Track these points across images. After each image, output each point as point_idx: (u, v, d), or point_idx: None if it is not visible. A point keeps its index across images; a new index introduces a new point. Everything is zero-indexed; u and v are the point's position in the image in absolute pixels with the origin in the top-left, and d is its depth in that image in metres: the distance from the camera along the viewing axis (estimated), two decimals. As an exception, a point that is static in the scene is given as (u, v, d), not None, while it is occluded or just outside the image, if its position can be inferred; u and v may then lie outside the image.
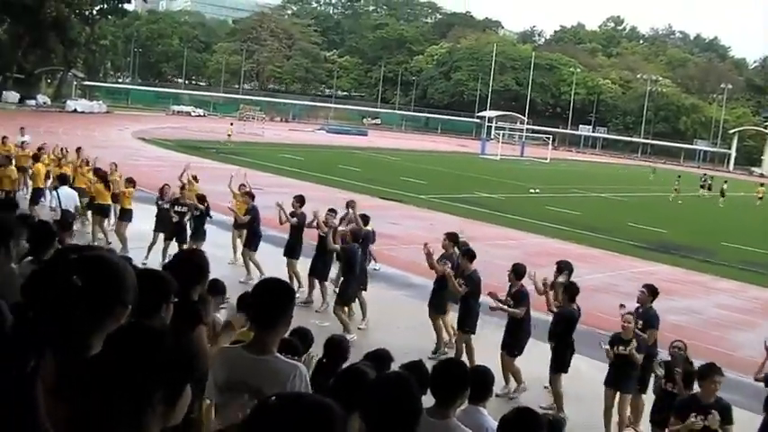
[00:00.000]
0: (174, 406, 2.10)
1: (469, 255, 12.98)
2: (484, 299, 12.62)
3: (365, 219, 16.35)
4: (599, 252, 26.23)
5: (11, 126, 34.99)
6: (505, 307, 11.89)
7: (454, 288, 12.64)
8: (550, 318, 11.94)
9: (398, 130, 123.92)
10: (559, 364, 11.39)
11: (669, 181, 57.01)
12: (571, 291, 11.50)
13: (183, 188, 18.12)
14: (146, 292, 3.35)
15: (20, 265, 4.66)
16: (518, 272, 12.13)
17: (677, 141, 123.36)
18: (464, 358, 11.95)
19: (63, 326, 2.53)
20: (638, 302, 11.71)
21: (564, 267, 13.12)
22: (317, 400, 1.99)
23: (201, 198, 17.51)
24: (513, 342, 11.94)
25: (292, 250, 16.10)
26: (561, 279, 12.66)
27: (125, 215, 18.66)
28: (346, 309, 14.19)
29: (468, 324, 12.62)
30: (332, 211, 15.72)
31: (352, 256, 14.24)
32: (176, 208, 17.36)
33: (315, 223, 15.56)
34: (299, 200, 16.17)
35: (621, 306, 11.44)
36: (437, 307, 13.51)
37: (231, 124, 67.83)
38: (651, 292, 11.64)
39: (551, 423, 5.81)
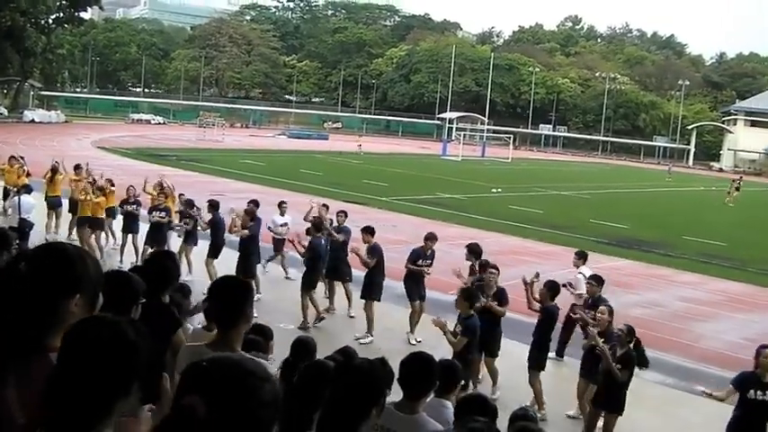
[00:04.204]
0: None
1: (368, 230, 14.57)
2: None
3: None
4: (561, 249, 26.34)
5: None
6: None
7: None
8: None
9: (359, 133, 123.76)
10: (538, 361, 11.38)
11: (629, 176, 57.02)
12: (554, 289, 11.57)
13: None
14: (114, 293, 3.37)
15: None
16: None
17: (637, 138, 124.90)
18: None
19: (13, 318, 2.46)
20: (587, 293, 12.19)
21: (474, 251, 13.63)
22: (249, 361, 1.98)
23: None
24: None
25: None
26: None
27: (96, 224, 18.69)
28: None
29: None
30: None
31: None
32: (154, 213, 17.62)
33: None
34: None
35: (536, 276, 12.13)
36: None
37: (360, 136, 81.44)
38: (597, 281, 12.02)
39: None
